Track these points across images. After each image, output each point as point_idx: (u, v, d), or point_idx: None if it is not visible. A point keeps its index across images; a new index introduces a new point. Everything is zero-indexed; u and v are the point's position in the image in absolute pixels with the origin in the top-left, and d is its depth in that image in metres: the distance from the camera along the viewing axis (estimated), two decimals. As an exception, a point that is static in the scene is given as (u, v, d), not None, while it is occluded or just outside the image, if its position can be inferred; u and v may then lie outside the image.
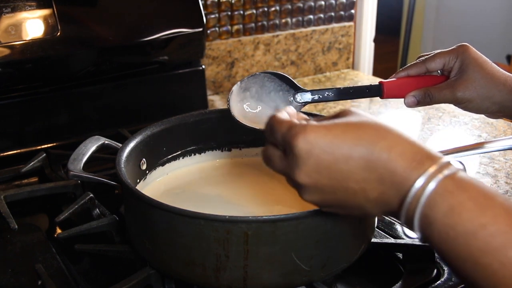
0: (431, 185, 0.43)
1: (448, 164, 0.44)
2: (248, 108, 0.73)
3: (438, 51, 0.74)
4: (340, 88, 0.73)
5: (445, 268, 0.67)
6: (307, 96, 0.73)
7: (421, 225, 0.44)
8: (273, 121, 0.51)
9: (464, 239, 0.42)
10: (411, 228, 0.45)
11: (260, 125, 0.73)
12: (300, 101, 0.73)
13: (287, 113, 0.54)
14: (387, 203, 0.46)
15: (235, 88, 0.73)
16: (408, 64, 0.76)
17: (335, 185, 0.47)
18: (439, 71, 0.75)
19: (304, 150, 0.47)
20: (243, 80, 0.73)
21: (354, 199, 0.47)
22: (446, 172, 0.44)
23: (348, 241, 0.60)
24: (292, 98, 0.73)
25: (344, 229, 0.59)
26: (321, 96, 0.73)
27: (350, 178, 0.46)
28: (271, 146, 0.51)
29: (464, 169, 0.50)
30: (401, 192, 0.45)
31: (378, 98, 0.74)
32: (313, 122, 0.48)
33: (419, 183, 0.44)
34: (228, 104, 0.73)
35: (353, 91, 0.73)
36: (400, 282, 0.65)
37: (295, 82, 0.73)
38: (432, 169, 0.44)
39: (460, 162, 0.51)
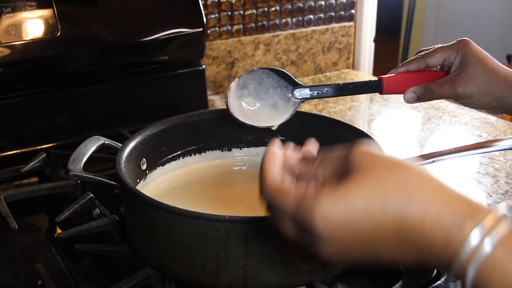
0: (479, 258, 0.37)
1: (493, 225, 0.38)
2: (247, 105, 0.73)
3: (438, 46, 0.73)
4: (339, 84, 0.72)
5: (445, 268, 0.67)
6: (306, 92, 0.72)
7: None
8: (271, 193, 0.44)
9: None
10: None
11: (258, 122, 0.73)
12: (299, 98, 0.72)
13: (276, 155, 0.47)
14: (429, 264, 0.42)
15: (233, 85, 0.72)
16: (408, 59, 0.75)
17: (368, 256, 0.43)
18: (439, 66, 0.74)
19: (326, 233, 0.41)
20: (241, 77, 0.72)
21: (391, 262, 0.43)
22: (491, 238, 0.37)
23: (348, 241, 0.60)
24: (290, 95, 0.72)
25: (344, 229, 0.59)
26: (320, 92, 0.72)
27: (382, 250, 0.42)
28: (279, 220, 0.44)
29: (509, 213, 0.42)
30: (444, 262, 0.39)
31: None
32: (323, 192, 0.41)
33: (463, 255, 0.38)
34: (226, 101, 0.72)
35: (352, 87, 0.73)
36: (400, 282, 0.65)
37: (294, 78, 0.72)
38: (476, 238, 0.38)
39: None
